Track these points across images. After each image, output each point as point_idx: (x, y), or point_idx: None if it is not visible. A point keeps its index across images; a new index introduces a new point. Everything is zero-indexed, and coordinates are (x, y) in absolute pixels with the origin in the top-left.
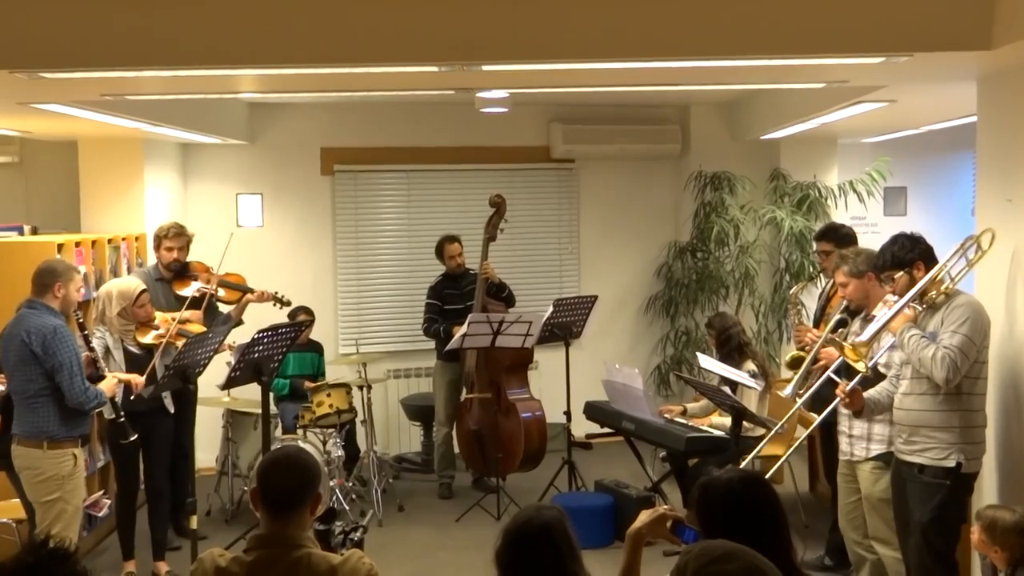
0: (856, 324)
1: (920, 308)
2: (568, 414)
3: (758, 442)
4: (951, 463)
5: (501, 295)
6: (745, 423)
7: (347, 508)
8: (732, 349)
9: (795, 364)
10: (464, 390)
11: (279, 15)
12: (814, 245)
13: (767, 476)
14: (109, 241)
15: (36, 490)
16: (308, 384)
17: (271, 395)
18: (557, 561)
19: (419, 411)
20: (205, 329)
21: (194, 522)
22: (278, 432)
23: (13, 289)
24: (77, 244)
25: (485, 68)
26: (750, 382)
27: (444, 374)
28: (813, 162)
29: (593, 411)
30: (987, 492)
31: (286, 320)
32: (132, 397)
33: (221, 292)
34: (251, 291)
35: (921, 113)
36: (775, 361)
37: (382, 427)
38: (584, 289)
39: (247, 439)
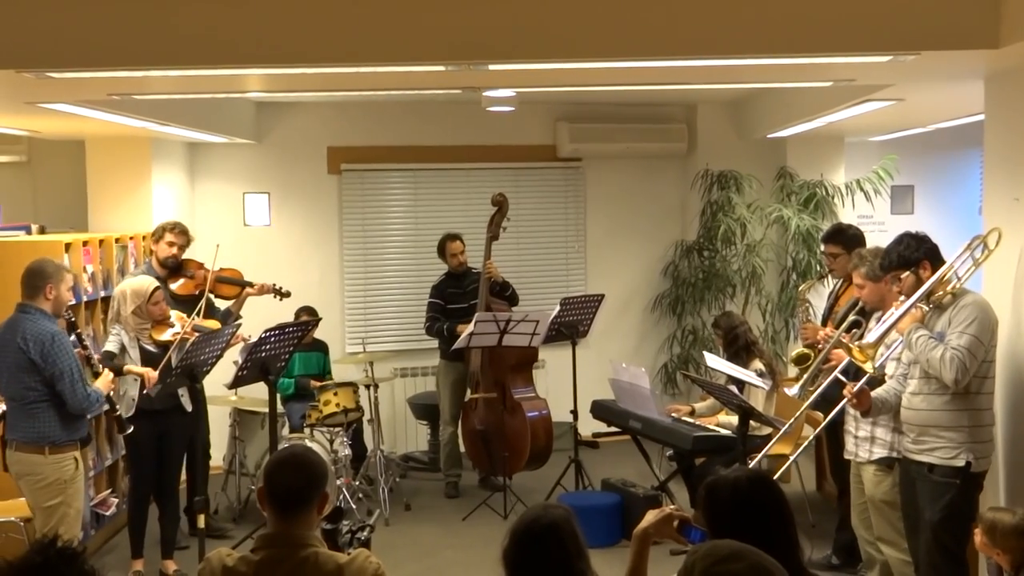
0: (873, 323)
1: (927, 308)
2: (575, 413)
3: (765, 441)
4: (960, 462)
5: (504, 294)
6: (752, 422)
7: (354, 507)
8: (739, 348)
9: (801, 361)
10: (469, 390)
11: (286, 15)
12: (822, 247)
13: (775, 476)
14: (116, 240)
15: (38, 495)
16: (315, 383)
17: (278, 394)
18: (564, 560)
19: (426, 410)
20: (220, 326)
21: (202, 521)
22: (285, 431)
23: (20, 288)
24: (84, 243)
25: (492, 67)
26: (757, 381)
27: (448, 373)
28: (820, 161)
29: (600, 410)
30: (995, 490)
31: (291, 319)
32: (145, 392)
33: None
34: (250, 285)
35: (928, 112)
36: (782, 360)
37: (389, 426)
38: (591, 288)
39: (254, 438)
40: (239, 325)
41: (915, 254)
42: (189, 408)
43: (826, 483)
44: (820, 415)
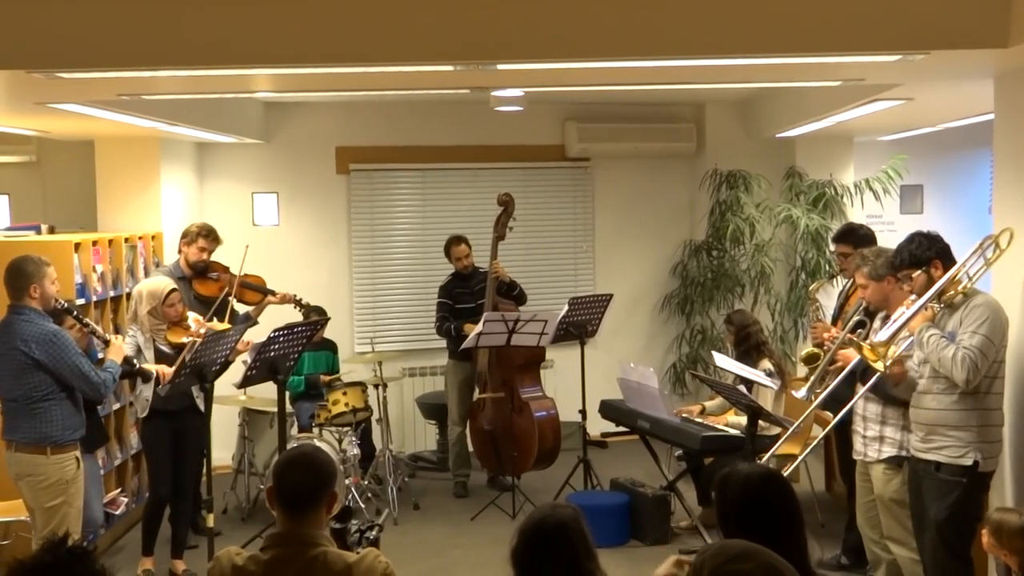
0: (877, 323)
1: (938, 307)
2: (583, 413)
3: (774, 441)
4: (968, 462)
5: (512, 294)
6: (761, 422)
7: (363, 506)
8: (750, 347)
9: (811, 360)
10: (477, 389)
11: (295, 15)
12: (832, 246)
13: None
14: (126, 240)
15: (40, 496)
16: (324, 378)
17: (287, 394)
18: (572, 560)
19: (434, 409)
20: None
21: (211, 520)
22: (294, 431)
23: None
24: (94, 243)
25: (500, 67)
26: (766, 381)
27: (456, 373)
28: (829, 160)
29: (608, 410)
30: (1002, 491)
31: (300, 319)
32: (158, 388)
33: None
34: (272, 293)
35: (938, 111)
36: (791, 360)
37: (397, 426)
38: (599, 288)
39: (263, 438)
40: (249, 326)
41: (927, 253)
42: (203, 408)
43: (835, 483)
44: (829, 415)
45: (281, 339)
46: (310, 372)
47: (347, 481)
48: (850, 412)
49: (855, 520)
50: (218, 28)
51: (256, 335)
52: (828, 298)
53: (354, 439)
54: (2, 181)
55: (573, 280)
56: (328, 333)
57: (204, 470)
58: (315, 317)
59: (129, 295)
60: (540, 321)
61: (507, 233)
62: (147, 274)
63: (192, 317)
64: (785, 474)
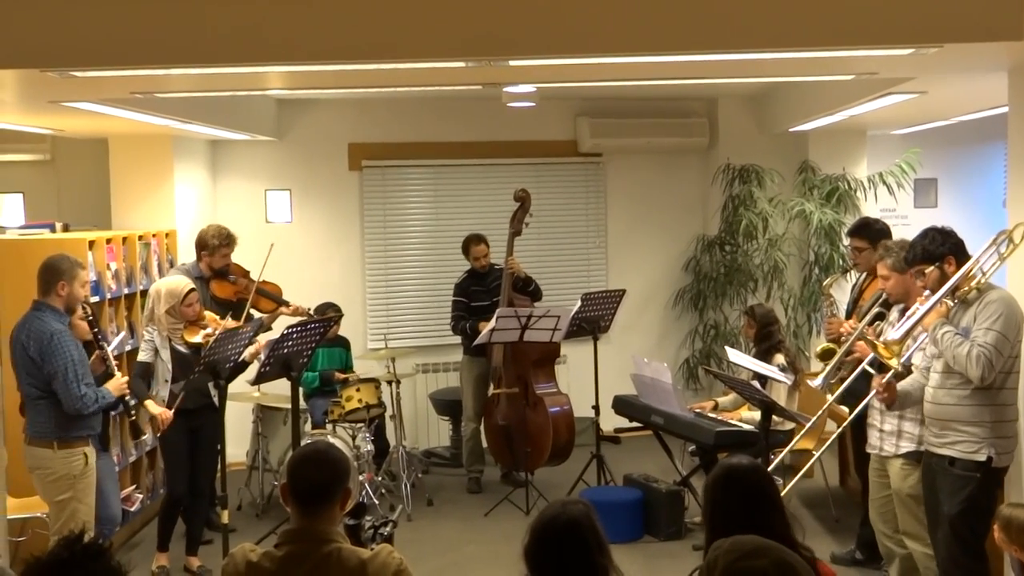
0: (894, 314)
1: (952, 303)
2: (596, 408)
3: (788, 436)
4: (982, 457)
5: (527, 289)
6: (775, 417)
7: (376, 503)
8: (771, 346)
9: (826, 356)
10: (491, 385)
11: (307, 12)
12: (846, 240)
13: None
14: (140, 238)
15: (48, 490)
16: (339, 375)
17: (301, 390)
18: (585, 556)
19: (447, 406)
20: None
21: (225, 516)
22: (308, 427)
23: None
24: (108, 241)
25: (512, 63)
26: (780, 376)
27: (471, 369)
28: (842, 154)
29: (621, 405)
30: (1018, 486)
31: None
32: (172, 386)
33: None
34: (286, 304)
35: (951, 104)
36: (805, 355)
37: (411, 422)
38: (612, 283)
39: (277, 434)
40: (263, 330)
41: (940, 248)
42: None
43: (849, 478)
44: (845, 410)
45: (295, 336)
46: (323, 368)
47: (361, 477)
48: (866, 408)
49: (869, 515)
50: (231, 26)
51: (269, 332)
52: (842, 293)
53: (368, 435)
54: (17, 179)
55: (586, 276)
56: (341, 329)
57: (219, 467)
58: (330, 313)
59: (143, 292)
60: (553, 317)
61: (523, 229)
62: (161, 271)
63: (209, 317)
64: (802, 472)
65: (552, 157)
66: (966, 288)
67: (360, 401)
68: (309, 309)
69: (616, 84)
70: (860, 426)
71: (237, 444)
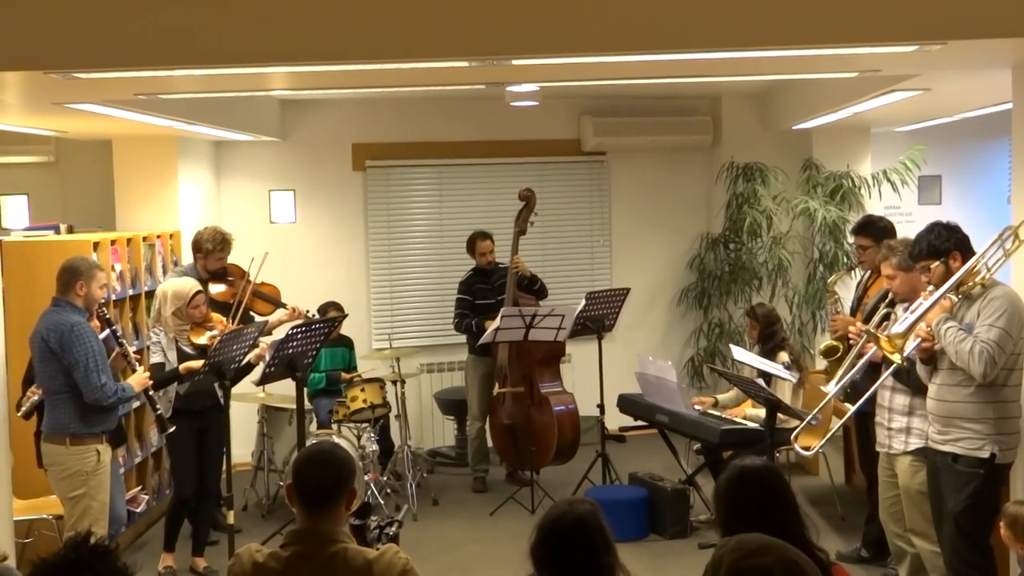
0: (899, 311)
1: (956, 299)
2: (601, 407)
3: (791, 433)
4: (985, 454)
5: (532, 288)
6: (779, 415)
7: (382, 503)
8: (776, 345)
9: (830, 353)
10: (496, 384)
11: (311, 12)
12: (851, 238)
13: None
14: (144, 239)
15: (61, 486)
16: (344, 375)
17: (305, 390)
18: (591, 554)
19: (452, 405)
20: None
21: (231, 517)
22: (313, 427)
23: (50, 287)
24: (112, 242)
25: (515, 62)
26: (784, 374)
27: (476, 368)
28: (846, 151)
29: (626, 404)
30: (1022, 482)
31: (317, 315)
32: (178, 387)
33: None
34: (284, 306)
35: (955, 101)
36: (809, 352)
37: (416, 421)
38: (616, 282)
39: (282, 434)
40: (264, 327)
41: (945, 244)
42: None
43: (855, 476)
44: (848, 405)
45: (299, 336)
46: (327, 368)
47: (366, 477)
48: (868, 401)
49: (875, 513)
50: (234, 27)
51: (274, 332)
52: (846, 290)
53: (373, 435)
54: (21, 181)
55: (590, 274)
56: (345, 329)
57: (224, 467)
58: (333, 312)
59: (148, 294)
60: (557, 316)
61: (528, 228)
62: (165, 272)
63: (215, 318)
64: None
65: (556, 156)
66: (970, 284)
67: (365, 401)
68: (309, 312)
69: (619, 83)
70: (865, 424)
71: (242, 445)
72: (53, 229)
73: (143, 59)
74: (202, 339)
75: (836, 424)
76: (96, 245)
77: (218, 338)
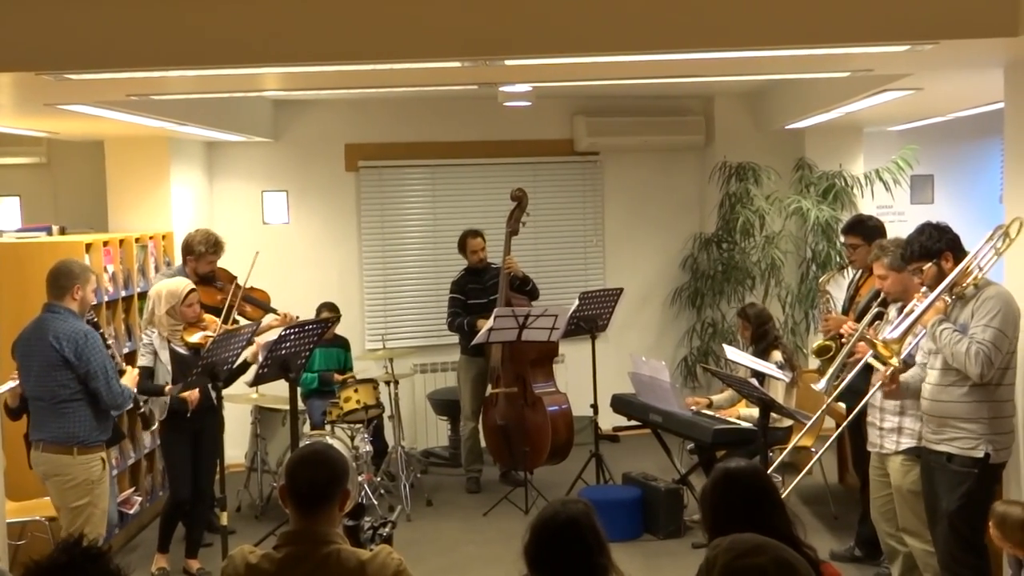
0: (892, 312)
1: (950, 300)
2: (595, 407)
3: (786, 433)
4: (979, 453)
5: (525, 289)
6: (773, 414)
7: (375, 503)
8: (768, 344)
9: (823, 352)
10: (489, 385)
11: (303, 13)
12: (841, 238)
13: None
14: (136, 240)
15: (66, 496)
16: (337, 376)
17: (299, 391)
18: (584, 554)
19: (446, 406)
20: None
21: (224, 518)
22: (306, 428)
23: (42, 290)
24: (105, 244)
25: (508, 62)
26: (777, 373)
27: (469, 369)
28: (839, 151)
29: (620, 404)
30: (1017, 481)
31: (312, 316)
32: (170, 390)
33: (244, 310)
34: (275, 311)
35: (947, 100)
36: (802, 352)
37: (409, 422)
38: (609, 282)
39: (275, 435)
40: (258, 328)
41: (937, 245)
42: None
43: (848, 475)
44: (842, 407)
45: (292, 337)
46: (321, 368)
47: (360, 478)
48: (864, 406)
49: (868, 512)
50: (226, 27)
51: (267, 333)
52: (838, 289)
53: (366, 436)
54: (13, 183)
55: (583, 274)
56: (339, 330)
57: (217, 468)
58: (326, 313)
59: (140, 295)
60: (551, 316)
61: (520, 228)
62: (157, 272)
63: (208, 318)
64: (804, 472)
65: (549, 156)
66: (963, 284)
67: (358, 402)
68: (299, 318)
69: (612, 83)
70: (858, 423)
71: (236, 446)
72: (45, 230)
73: (135, 60)
74: (195, 337)
75: (830, 426)
76: (88, 246)
77: (211, 338)
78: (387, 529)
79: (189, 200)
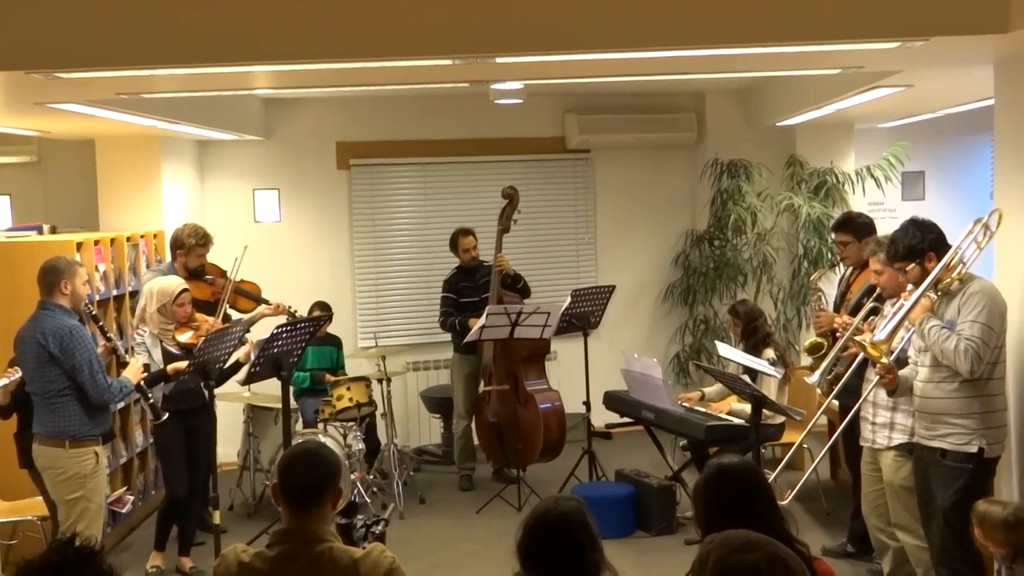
0: (888, 308)
1: (935, 296)
2: (587, 404)
3: (778, 430)
4: (973, 449)
5: (516, 287)
6: (765, 411)
7: (368, 501)
8: (759, 341)
9: (815, 350)
10: (482, 382)
11: (293, 11)
12: (832, 235)
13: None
14: (128, 239)
15: (59, 489)
16: (329, 377)
17: (291, 389)
18: (577, 551)
19: (439, 403)
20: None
21: (217, 517)
22: (299, 426)
23: (33, 289)
24: (96, 242)
25: (499, 60)
26: (769, 370)
27: (462, 367)
28: (830, 148)
29: (612, 401)
30: (1008, 475)
31: (304, 314)
32: (163, 387)
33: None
34: (266, 303)
35: (938, 97)
36: (795, 348)
37: (402, 420)
38: (601, 279)
39: (268, 434)
40: (250, 324)
41: (920, 245)
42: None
43: (840, 471)
44: (835, 403)
45: (284, 335)
46: (314, 367)
47: (352, 476)
48: (852, 397)
49: (860, 508)
50: (217, 25)
51: (259, 332)
52: (830, 286)
53: (359, 434)
54: (3, 182)
55: (575, 272)
56: (331, 328)
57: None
58: (318, 312)
59: (132, 294)
60: (543, 313)
61: (511, 226)
62: (136, 273)
63: (200, 317)
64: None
65: (540, 154)
66: (948, 280)
67: (351, 400)
68: (291, 307)
69: (603, 80)
70: (851, 419)
71: (228, 444)
72: (36, 230)
73: (125, 58)
74: (186, 337)
75: (823, 424)
76: (79, 245)
77: (203, 337)
78: (380, 527)
79: (180, 199)
